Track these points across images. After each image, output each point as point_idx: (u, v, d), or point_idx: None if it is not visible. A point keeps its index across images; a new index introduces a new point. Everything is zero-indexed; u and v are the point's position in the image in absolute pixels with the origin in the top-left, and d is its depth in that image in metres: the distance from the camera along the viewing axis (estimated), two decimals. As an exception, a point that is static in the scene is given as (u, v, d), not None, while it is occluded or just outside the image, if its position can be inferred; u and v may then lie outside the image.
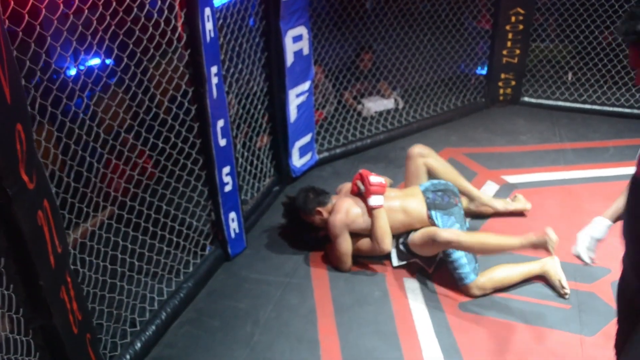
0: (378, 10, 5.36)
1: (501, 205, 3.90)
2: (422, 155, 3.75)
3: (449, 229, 3.23)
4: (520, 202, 3.96)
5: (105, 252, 2.91)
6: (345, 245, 3.42)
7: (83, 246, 2.84)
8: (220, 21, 3.38)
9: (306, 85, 4.26)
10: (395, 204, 3.43)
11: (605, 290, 3.25)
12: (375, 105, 5.61)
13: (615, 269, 3.37)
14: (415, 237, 3.33)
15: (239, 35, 3.67)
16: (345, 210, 3.41)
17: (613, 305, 3.09)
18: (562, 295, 3.20)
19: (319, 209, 3.53)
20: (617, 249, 3.59)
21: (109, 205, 2.90)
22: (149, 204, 3.17)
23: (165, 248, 3.28)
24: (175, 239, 3.34)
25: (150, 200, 3.18)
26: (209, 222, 3.56)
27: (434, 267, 3.41)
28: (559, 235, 3.76)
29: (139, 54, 2.80)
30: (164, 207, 3.26)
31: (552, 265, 3.28)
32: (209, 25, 2.96)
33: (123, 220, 3.04)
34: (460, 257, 3.21)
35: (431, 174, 3.74)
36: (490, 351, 2.90)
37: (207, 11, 2.95)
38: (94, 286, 2.76)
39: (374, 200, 3.36)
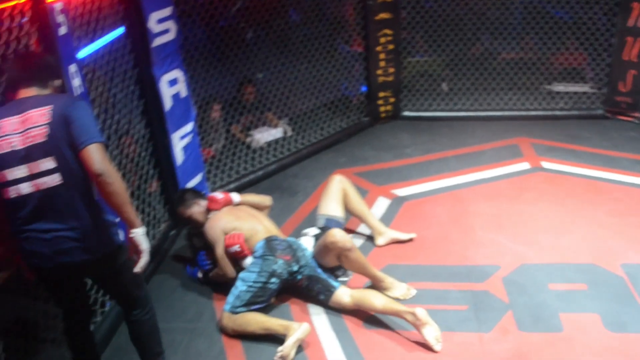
0: (256, 39, 5.43)
1: (405, 237, 4.00)
2: (342, 182, 3.95)
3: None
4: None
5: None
6: (221, 250, 3.55)
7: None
8: (90, 75, 3.32)
9: (189, 127, 4.24)
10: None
11: (497, 286, 3.44)
12: (263, 136, 5.66)
13: (504, 265, 3.61)
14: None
15: (112, 87, 3.61)
16: (219, 218, 3.66)
17: (505, 300, 3.30)
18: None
19: (197, 200, 3.85)
20: (505, 246, 3.84)
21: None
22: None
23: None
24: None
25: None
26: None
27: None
28: (451, 239, 3.98)
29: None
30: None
31: (300, 331, 3.07)
32: (76, 82, 2.90)
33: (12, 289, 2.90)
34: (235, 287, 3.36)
35: (345, 201, 3.92)
36: (398, 364, 2.99)
37: (73, 68, 2.89)
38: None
39: (245, 263, 3.51)
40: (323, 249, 3.45)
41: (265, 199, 4.04)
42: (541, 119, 5.84)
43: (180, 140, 4.17)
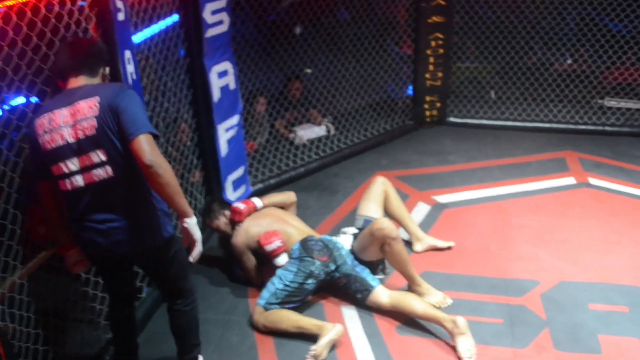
0: (306, 35, 5.43)
1: (444, 244, 3.96)
2: (385, 184, 3.90)
3: None
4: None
5: (37, 303, 2.81)
6: (249, 263, 3.62)
7: (12, 300, 2.73)
8: (143, 62, 3.37)
9: (235, 119, 4.28)
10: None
11: (535, 302, 3.37)
12: (307, 133, 5.67)
13: (543, 281, 3.54)
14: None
15: (163, 74, 3.66)
16: (245, 231, 3.61)
17: (543, 316, 3.23)
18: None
19: (224, 211, 3.79)
20: (546, 262, 3.77)
21: (37, 255, 2.82)
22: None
23: (99, 294, 3.20)
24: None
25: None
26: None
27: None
28: (490, 250, 3.92)
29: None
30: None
31: (334, 332, 3.08)
32: (130, 68, 2.95)
33: (54, 268, 2.96)
34: (272, 283, 3.37)
35: (386, 204, 3.89)
36: (429, 372, 2.96)
37: (128, 54, 2.94)
38: (26, 341, 2.66)
39: (278, 262, 3.49)
40: (367, 239, 3.42)
41: (289, 195, 3.99)
42: (590, 134, 5.70)
43: (225, 132, 4.20)
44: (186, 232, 2.44)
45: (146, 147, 2.23)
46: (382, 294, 3.32)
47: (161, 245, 2.52)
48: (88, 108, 2.28)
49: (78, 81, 2.39)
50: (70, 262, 2.61)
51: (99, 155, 2.30)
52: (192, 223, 2.42)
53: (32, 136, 2.36)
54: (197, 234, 2.45)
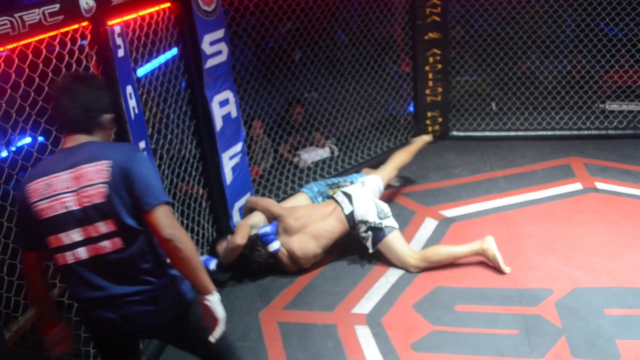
0: (305, 59, 5.48)
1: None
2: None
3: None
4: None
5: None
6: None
7: (23, 340, 2.75)
8: (145, 96, 3.41)
9: (238, 147, 4.31)
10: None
11: (550, 310, 3.35)
12: (311, 156, 5.70)
13: (557, 289, 3.51)
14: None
15: (165, 107, 3.71)
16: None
17: (558, 324, 3.21)
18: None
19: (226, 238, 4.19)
20: (558, 269, 3.74)
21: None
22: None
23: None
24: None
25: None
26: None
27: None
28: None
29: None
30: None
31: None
32: (132, 103, 2.99)
33: (64, 306, 2.97)
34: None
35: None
36: (447, 388, 2.93)
37: (129, 89, 2.98)
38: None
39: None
40: None
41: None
42: (594, 139, 5.69)
43: (229, 160, 4.23)
44: (208, 310, 2.17)
45: (164, 220, 2.03)
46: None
47: (181, 313, 2.27)
48: (95, 172, 2.04)
49: (76, 139, 2.14)
50: (51, 342, 2.29)
51: (107, 226, 2.06)
52: (214, 300, 2.16)
53: (24, 203, 2.09)
54: (219, 312, 2.17)
